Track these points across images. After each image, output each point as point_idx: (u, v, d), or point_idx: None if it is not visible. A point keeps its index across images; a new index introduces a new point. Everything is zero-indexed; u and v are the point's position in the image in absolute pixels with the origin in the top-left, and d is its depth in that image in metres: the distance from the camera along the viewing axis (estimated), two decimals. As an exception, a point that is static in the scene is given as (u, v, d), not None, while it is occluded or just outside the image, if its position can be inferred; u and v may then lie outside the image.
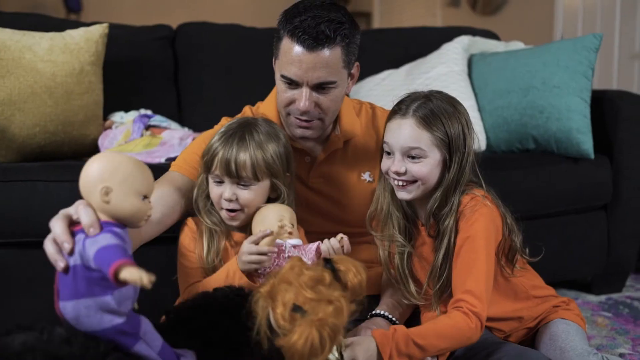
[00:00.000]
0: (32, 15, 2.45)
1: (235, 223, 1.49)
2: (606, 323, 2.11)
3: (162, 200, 1.49)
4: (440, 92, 1.49)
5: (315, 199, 1.68)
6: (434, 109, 1.43)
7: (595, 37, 2.34)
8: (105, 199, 1.07)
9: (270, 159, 1.45)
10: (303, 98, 1.51)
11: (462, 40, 2.64)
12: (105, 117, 2.27)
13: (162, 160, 2.01)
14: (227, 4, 6.61)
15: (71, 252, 1.03)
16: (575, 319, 1.58)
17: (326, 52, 1.48)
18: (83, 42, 2.15)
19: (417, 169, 1.43)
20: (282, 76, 1.53)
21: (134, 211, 1.10)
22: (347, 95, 1.70)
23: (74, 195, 1.77)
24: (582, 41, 2.34)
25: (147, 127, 2.18)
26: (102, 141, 2.16)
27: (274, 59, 1.61)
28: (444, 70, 2.50)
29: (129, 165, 1.10)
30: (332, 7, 1.52)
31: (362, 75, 2.72)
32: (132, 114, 2.25)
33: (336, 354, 1.16)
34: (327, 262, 1.11)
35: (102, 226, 1.05)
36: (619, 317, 2.19)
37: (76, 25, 2.30)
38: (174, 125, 2.26)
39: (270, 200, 1.52)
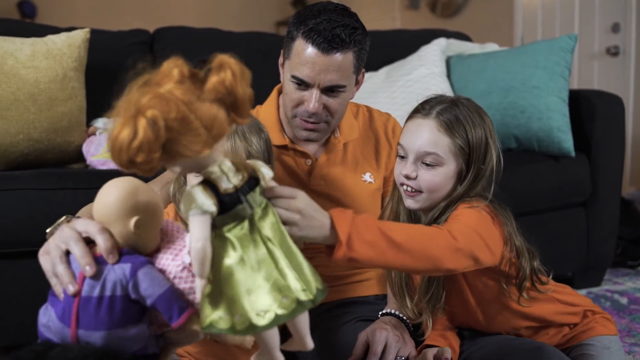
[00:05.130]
0: (10, 20, 2.38)
1: None
2: (591, 316, 2.17)
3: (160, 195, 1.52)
4: (468, 99, 1.38)
5: (317, 200, 1.68)
6: (458, 115, 1.32)
7: (571, 38, 2.41)
8: (137, 232, 0.99)
9: (253, 152, 1.39)
10: (313, 100, 1.52)
11: (440, 43, 2.68)
12: (88, 124, 2.23)
13: (152, 166, 1.98)
14: (183, 8, 6.56)
15: (94, 277, 0.96)
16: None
17: (339, 56, 1.49)
18: (66, 48, 2.10)
19: (429, 177, 1.32)
20: (293, 77, 1.53)
21: (154, 243, 1.05)
22: (351, 99, 1.70)
23: (66, 203, 1.76)
24: (559, 42, 2.40)
25: (133, 133, 2.14)
26: (87, 148, 2.12)
27: (282, 59, 1.61)
28: (424, 72, 2.53)
29: (155, 198, 1.04)
30: (345, 13, 1.53)
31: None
32: (116, 120, 2.21)
33: (233, 179, 0.91)
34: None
35: (122, 253, 0.98)
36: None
37: (56, 30, 2.25)
38: (158, 130, 2.23)
39: None
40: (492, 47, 2.81)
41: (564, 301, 1.44)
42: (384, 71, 2.67)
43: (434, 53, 2.61)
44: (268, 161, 1.45)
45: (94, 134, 2.18)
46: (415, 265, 1.12)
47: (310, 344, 0.96)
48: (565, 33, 3.93)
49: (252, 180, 0.93)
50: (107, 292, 0.96)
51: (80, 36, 2.15)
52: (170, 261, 0.99)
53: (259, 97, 1.87)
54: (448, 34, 2.97)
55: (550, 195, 2.35)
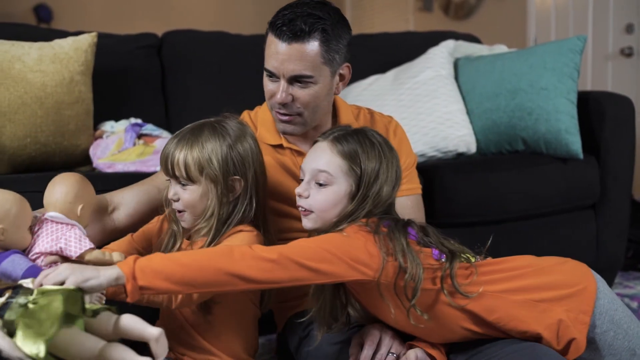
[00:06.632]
0: (18, 25, 2.41)
1: (183, 224, 1.48)
2: (600, 320, 2.15)
3: (136, 197, 1.63)
4: (377, 132, 1.43)
5: None
6: (353, 140, 1.38)
7: (579, 39, 2.39)
8: (1, 238, 1.27)
9: (204, 160, 1.40)
10: (280, 90, 1.55)
11: (448, 44, 2.67)
12: (95, 127, 2.24)
13: (157, 169, 1.99)
14: (196, 12, 6.59)
15: None
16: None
17: (302, 46, 1.51)
18: (72, 52, 2.12)
19: (319, 197, 1.36)
20: (265, 69, 1.58)
21: (23, 242, 1.32)
22: (337, 94, 1.71)
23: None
24: (567, 43, 2.39)
25: (140, 136, 2.16)
26: (94, 151, 2.13)
27: None
28: (431, 75, 2.52)
29: (17, 203, 1.31)
30: (318, 5, 1.56)
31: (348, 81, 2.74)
32: (123, 123, 2.23)
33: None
34: None
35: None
36: (611, 313, 2.22)
37: (64, 34, 2.27)
38: (165, 133, 2.24)
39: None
40: (501, 48, 2.79)
41: (515, 289, 1.33)
42: (391, 73, 2.66)
43: (441, 55, 2.60)
44: (234, 172, 1.44)
45: (100, 137, 2.20)
46: (207, 278, 1.20)
47: (152, 331, 1.10)
48: (578, 34, 3.90)
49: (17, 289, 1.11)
50: None
51: (87, 40, 2.17)
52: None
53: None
54: (457, 36, 2.96)
55: (558, 198, 2.33)
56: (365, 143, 1.37)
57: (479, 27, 4.95)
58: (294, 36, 1.50)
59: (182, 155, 1.40)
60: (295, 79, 1.55)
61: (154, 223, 1.60)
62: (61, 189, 1.40)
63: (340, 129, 1.42)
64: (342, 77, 1.65)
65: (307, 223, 1.39)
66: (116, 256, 1.35)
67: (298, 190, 1.39)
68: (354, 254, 1.26)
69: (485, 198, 2.23)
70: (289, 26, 1.50)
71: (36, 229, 1.36)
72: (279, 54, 1.52)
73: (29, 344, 0.98)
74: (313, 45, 1.52)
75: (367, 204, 1.34)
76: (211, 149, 1.41)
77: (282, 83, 1.55)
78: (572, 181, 2.34)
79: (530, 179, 2.29)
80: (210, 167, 1.41)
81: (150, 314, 1.42)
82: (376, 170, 1.35)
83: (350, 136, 1.39)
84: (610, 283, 2.52)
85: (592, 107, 2.42)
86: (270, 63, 1.56)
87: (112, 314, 1.11)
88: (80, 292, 1.07)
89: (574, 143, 2.27)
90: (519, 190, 2.27)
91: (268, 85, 1.60)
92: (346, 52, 1.61)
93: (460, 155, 2.47)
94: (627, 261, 2.75)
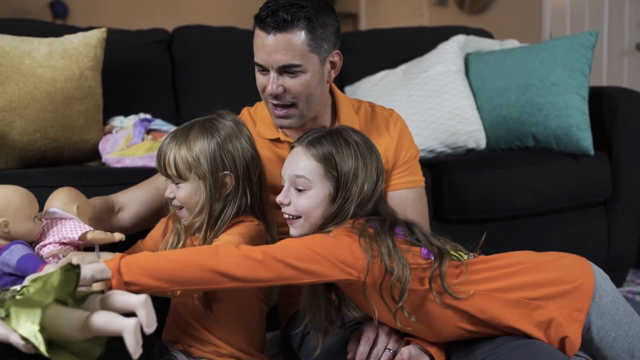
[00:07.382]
0: (29, 21, 2.43)
1: (183, 220, 1.50)
2: (610, 318, 2.13)
3: (137, 198, 1.67)
4: (358, 133, 1.42)
5: None
6: (327, 142, 1.37)
7: (591, 34, 2.37)
8: (5, 230, 1.34)
9: (192, 159, 1.43)
10: (270, 81, 1.56)
11: (458, 40, 2.65)
12: (105, 122, 2.26)
13: (165, 164, 2.00)
14: (210, 7, 6.60)
15: None
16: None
17: (286, 36, 1.51)
18: (82, 47, 2.13)
19: (300, 202, 1.37)
20: (255, 63, 1.59)
21: (29, 232, 1.38)
22: (329, 84, 1.70)
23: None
24: (579, 38, 2.37)
25: (148, 131, 2.17)
26: (103, 146, 2.15)
27: None
28: (441, 70, 2.51)
29: (18, 196, 1.37)
30: None
31: (359, 76, 2.73)
32: (132, 118, 2.24)
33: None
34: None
35: (3, 249, 1.30)
36: (621, 311, 2.20)
37: (74, 30, 2.28)
38: (173, 129, 2.25)
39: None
40: (512, 43, 2.77)
41: (507, 287, 1.30)
42: (401, 69, 2.65)
43: (451, 50, 2.58)
44: (223, 168, 1.45)
45: (110, 132, 2.21)
46: (192, 275, 1.20)
47: (138, 298, 1.04)
48: (594, 29, 3.86)
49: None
50: None
51: (96, 36, 2.18)
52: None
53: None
54: (468, 31, 2.93)
55: (569, 195, 2.31)
56: (340, 143, 1.37)
57: (494, 22, 4.92)
58: (277, 27, 1.51)
59: (172, 155, 1.43)
60: (284, 69, 1.55)
61: (159, 225, 1.63)
62: (55, 196, 1.48)
63: (315, 132, 1.42)
64: (333, 64, 1.64)
65: (293, 231, 1.40)
66: (117, 235, 1.39)
67: (278, 198, 1.39)
68: (339, 254, 1.26)
69: (494, 194, 2.22)
70: (272, 17, 1.51)
71: (40, 227, 1.43)
72: (266, 46, 1.53)
73: (22, 321, 0.96)
74: (298, 34, 1.52)
75: (350, 205, 1.34)
76: (199, 148, 1.43)
77: (272, 74, 1.55)
78: (583, 178, 2.32)
79: (540, 175, 2.27)
80: (198, 166, 1.43)
81: (160, 307, 1.44)
82: (353, 170, 1.35)
83: (325, 138, 1.38)
84: (621, 281, 2.50)
85: (604, 103, 2.40)
86: (258, 56, 1.57)
87: (97, 294, 1.08)
88: (77, 269, 1.05)
89: (585, 139, 2.25)
90: (528, 186, 2.25)
91: (259, 78, 1.61)
92: (335, 40, 1.60)
93: (469, 151, 2.46)
94: (639, 258, 2.72)
